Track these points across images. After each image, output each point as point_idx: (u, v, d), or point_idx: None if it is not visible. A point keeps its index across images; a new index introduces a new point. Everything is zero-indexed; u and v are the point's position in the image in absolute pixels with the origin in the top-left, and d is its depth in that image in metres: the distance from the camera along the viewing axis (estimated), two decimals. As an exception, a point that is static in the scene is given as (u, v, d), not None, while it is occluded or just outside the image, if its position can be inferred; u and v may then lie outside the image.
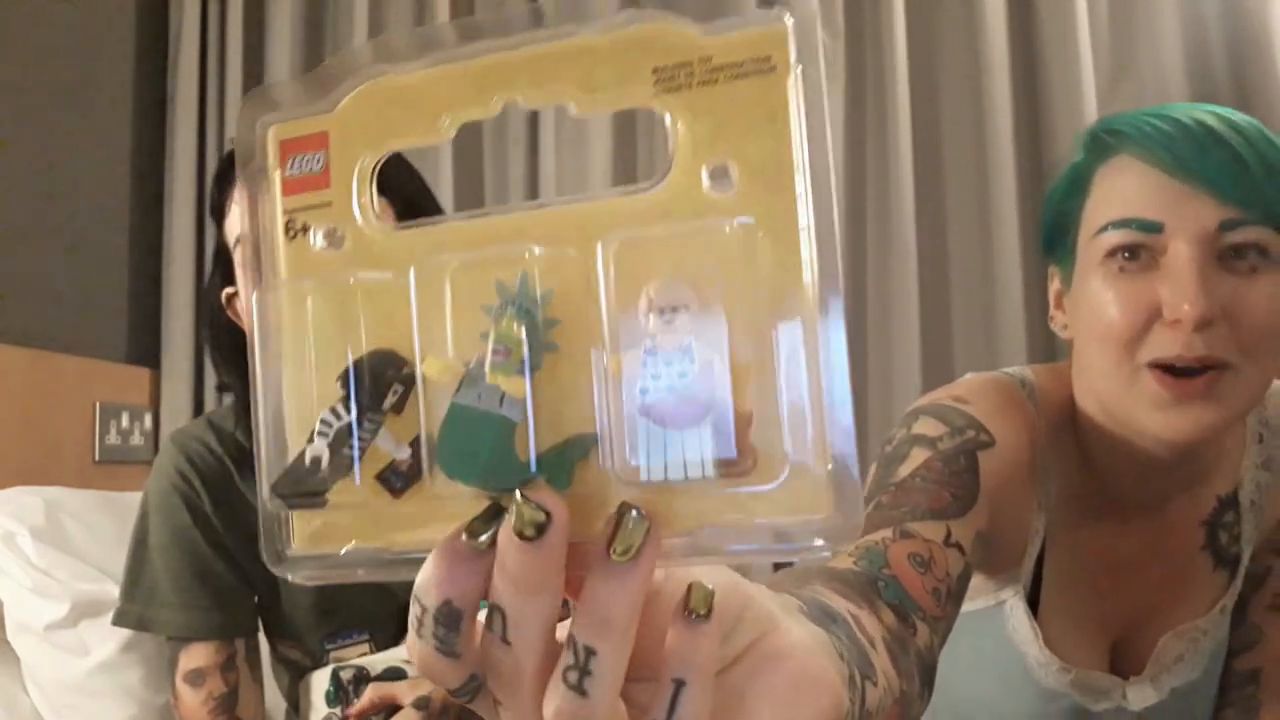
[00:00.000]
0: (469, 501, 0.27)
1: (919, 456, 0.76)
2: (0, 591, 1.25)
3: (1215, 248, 0.70)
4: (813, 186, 0.26)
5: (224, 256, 1.03)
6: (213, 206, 1.03)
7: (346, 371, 0.29)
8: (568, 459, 0.27)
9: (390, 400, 0.28)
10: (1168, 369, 0.70)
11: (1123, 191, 0.73)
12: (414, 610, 0.27)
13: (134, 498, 1.49)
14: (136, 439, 2.03)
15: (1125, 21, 1.90)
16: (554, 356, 0.27)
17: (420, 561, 0.28)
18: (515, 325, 0.27)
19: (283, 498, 0.29)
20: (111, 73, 2.10)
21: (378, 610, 1.05)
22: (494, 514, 0.27)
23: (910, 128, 1.96)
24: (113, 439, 1.95)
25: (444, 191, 2.03)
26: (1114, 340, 0.72)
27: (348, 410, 0.28)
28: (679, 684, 0.27)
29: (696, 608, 0.27)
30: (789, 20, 0.27)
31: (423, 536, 0.28)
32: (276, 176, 0.30)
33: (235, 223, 0.99)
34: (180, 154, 2.16)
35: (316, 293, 0.29)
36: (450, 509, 0.28)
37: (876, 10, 1.99)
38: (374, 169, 0.30)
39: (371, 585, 1.04)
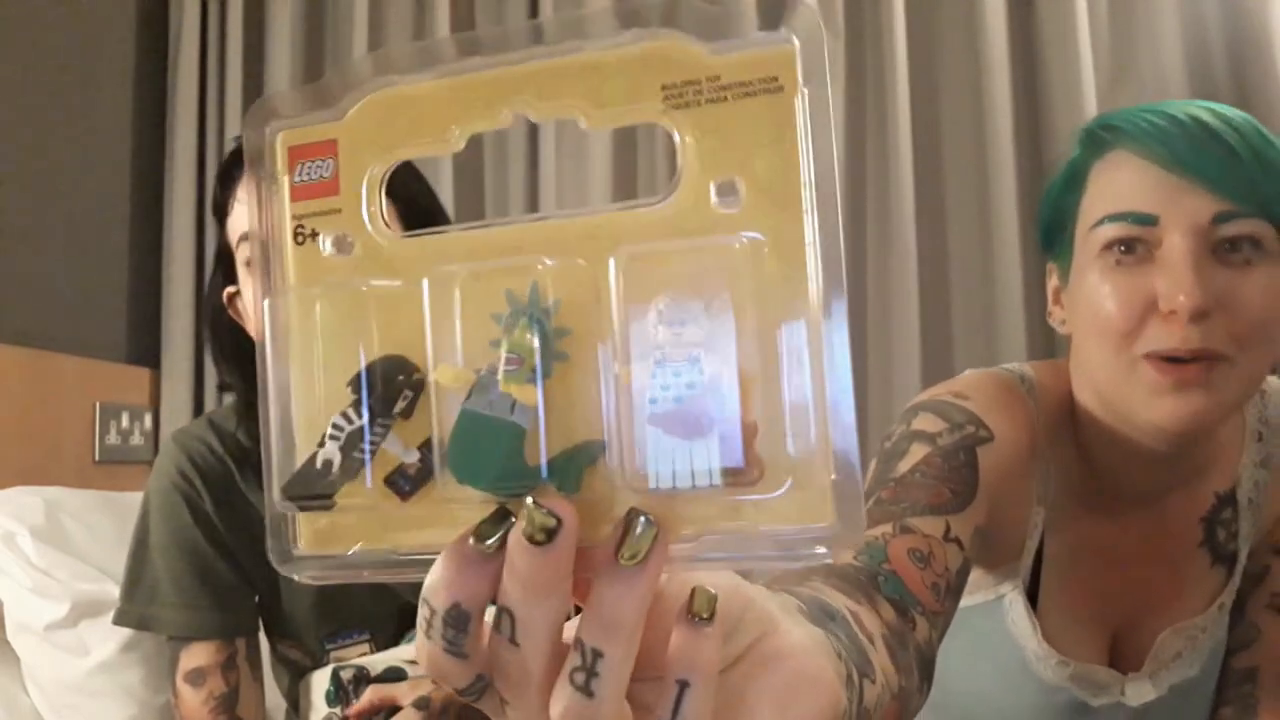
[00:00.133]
0: (476, 505, 0.28)
1: (918, 452, 0.77)
2: (0, 591, 1.25)
3: (1210, 240, 0.71)
4: (819, 203, 0.27)
5: (226, 256, 1.03)
6: (215, 206, 1.02)
7: (358, 376, 0.29)
8: (576, 465, 0.28)
9: (400, 405, 0.29)
10: (1164, 359, 0.71)
11: (1119, 186, 0.74)
12: (423, 612, 0.28)
13: (134, 498, 1.48)
14: (136, 439, 2.03)
15: (1125, 21, 1.90)
16: (563, 365, 0.28)
17: (426, 563, 0.28)
18: (528, 334, 0.28)
19: (294, 499, 0.30)
20: (111, 73, 2.10)
21: (378, 610, 1.05)
22: (501, 518, 0.27)
23: (910, 128, 1.96)
24: (113, 439, 1.95)
25: (444, 203, 2.03)
26: (1112, 332, 0.73)
27: (359, 414, 0.29)
28: (683, 685, 0.27)
29: (700, 611, 0.28)
30: (796, 42, 0.27)
31: (430, 539, 0.29)
32: (285, 182, 0.30)
33: (238, 222, 0.99)
34: (180, 154, 2.16)
35: (327, 298, 0.30)
36: (457, 512, 0.28)
37: (876, 10, 1.99)
38: (384, 177, 0.30)
39: (372, 585, 1.04)
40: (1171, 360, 0.71)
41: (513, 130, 2.05)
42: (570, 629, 0.28)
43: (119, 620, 1.05)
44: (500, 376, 0.28)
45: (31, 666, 1.26)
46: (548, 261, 0.28)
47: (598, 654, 0.27)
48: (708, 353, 0.27)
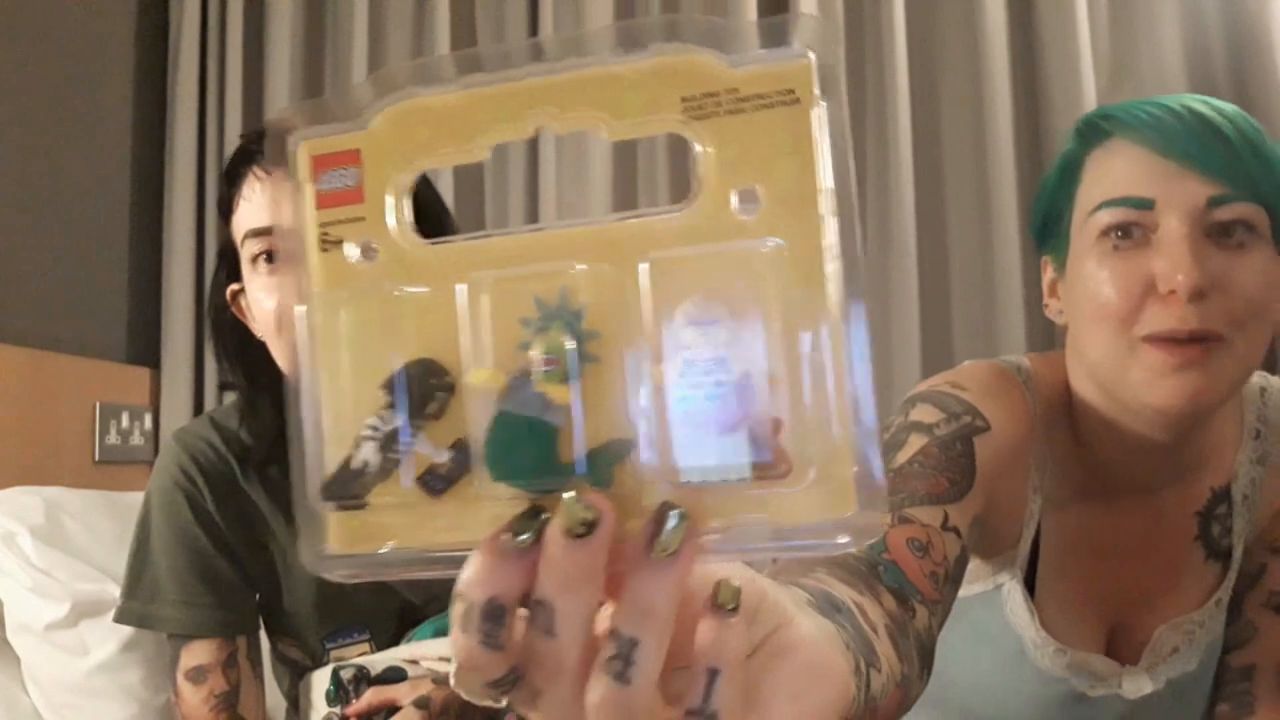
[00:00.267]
0: (507, 503, 0.29)
1: (916, 443, 0.78)
2: (0, 591, 1.25)
3: (1205, 224, 0.72)
4: (837, 209, 0.28)
5: (230, 253, 1.03)
6: (220, 203, 1.02)
7: (391, 379, 0.30)
8: (607, 462, 0.29)
9: (431, 407, 0.30)
10: (1165, 341, 0.72)
11: (1115, 173, 0.76)
12: (458, 607, 0.29)
13: (134, 498, 1.48)
14: (136, 439, 2.02)
15: (1125, 21, 1.90)
16: (594, 366, 0.29)
17: (457, 561, 0.29)
18: (563, 336, 0.29)
19: (333, 499, 0.31)
20: (111, 73, 2.10)
21: (378, 610, 1.05)
22: (534, 514, 0.28)
23: (910, 128, 1.96)
24: (113, 439, 1.95)
25: (444, 197, 2.03)
26: (1111, 317, 0.74)
27: (393, 416, 0.30)
28: (714, 673, 0.28)
29: (725, 602, 0.29)
30: (812, 57, 0.28)
31: (462, 537, 0.29)
32: (309, 190, 0.31)
33: (243, 219, 0.98)
34: (180, 154, 2.16)
35: (355, 304, 0.31)
36: (488, 510, 0.29)
37: (876, 10, 1.99)
38: (409, 186, 0.31)
39: (373, 586, 1.04)
40: (1171, 342, 0.72)
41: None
42: (600, 621, 0.29)
43: (120, 618, 1.05)
44: (536, 377, 0.29)
45: (31, 666, 1.26)
46: (579, 266, 0.29)
47: (634, 642, 0.28)
48: (734, 352, 0.28)
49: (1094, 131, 0.79)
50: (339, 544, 0.31)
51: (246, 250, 0.98)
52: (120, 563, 1.26)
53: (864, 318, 0.28)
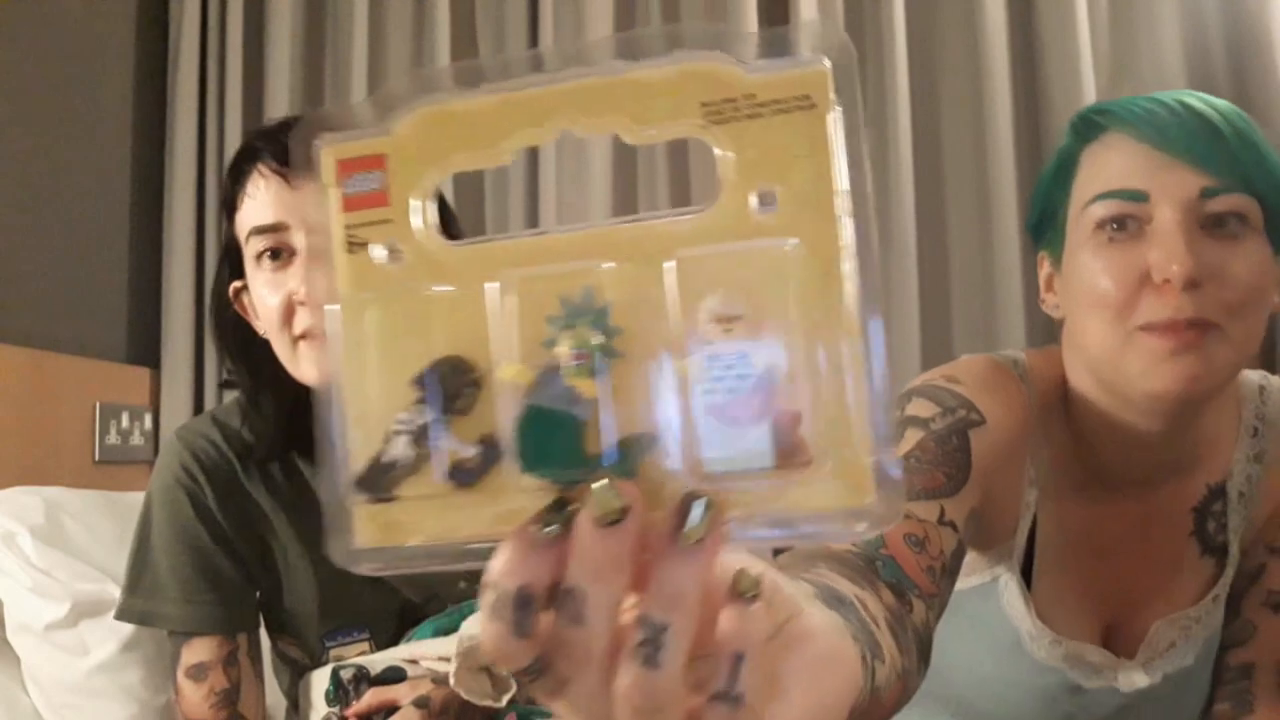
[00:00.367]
0: (533, 495, 0.30)
1: (912, 438, 0.79)
2: (0, 591, 1.25)
3: (1198, 215, 0.74)
4: (853, 210, 0.29)
5: (233, 250, 1.02)
6: (224, 200, 1.02)
7: (421, 375, 0.31)
8: (633, 453, 0.30)
9: (460, 403, 0.31)
10: (1160, 329, 0.74)
11: (1109, 167, 0.77)
12: (489, 596, 0.29)
13: (134, 498, 1.48)
14: (136, 439, 2.02)
15: (1125, 21, 1.90)
16: (619, 362, 0.30)
17: (484, 552, 0.30)
18: (591, 332, 0.30)
19: (365, 493, 0.31)
20: (111, 73, 2.10)
21: (378, 609, 1.05)
22: (561, 506, 0.29)
23: (910, 128, 1.95)
24: (113, 439, 1.95)
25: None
26: (1107, 307, 0.75)
27: (423, 411, 0.31)
28: (738, 658, 0.29)
29: (746, 590, 0.30)
30: (828, 64, 0.29)
31: (488, 529, 0.30)
32: (335, 194, 0.32)
33: (247, 216, 0.98)
34: (180, 154, 2.16)
35: (384, 303, 0.31)
36: (514, 503, 0.30)
37: (876, 10, 1.99)
38: (434, 189, 0.32)
39: (372, 585, 1.04)
40: (1167, 329, 0.73)
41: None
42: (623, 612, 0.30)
43: (121, 615, 1.05)
44: (567, 371, 0.30)
45: (31, 666, 1.26)
46: (607, 264, 0.30)
47: (663, 628, 0.29)
48: (756, 347, 0.29)
49: (1089, 126, 0.81)
50: (367, 538, 0.32)
51: (250, 247, 0.98)
52: (120, 563, 1.26)
53: (879, 315, 0.29)
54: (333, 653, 1.05)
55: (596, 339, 0.30)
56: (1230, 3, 1.86)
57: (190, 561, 1.02)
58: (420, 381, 0.31)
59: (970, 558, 0.87)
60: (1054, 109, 1.83)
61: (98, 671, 1.22)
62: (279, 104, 2.16)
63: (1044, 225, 0.85)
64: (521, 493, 0.30)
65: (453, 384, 0.31)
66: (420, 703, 0.95)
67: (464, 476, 0.31)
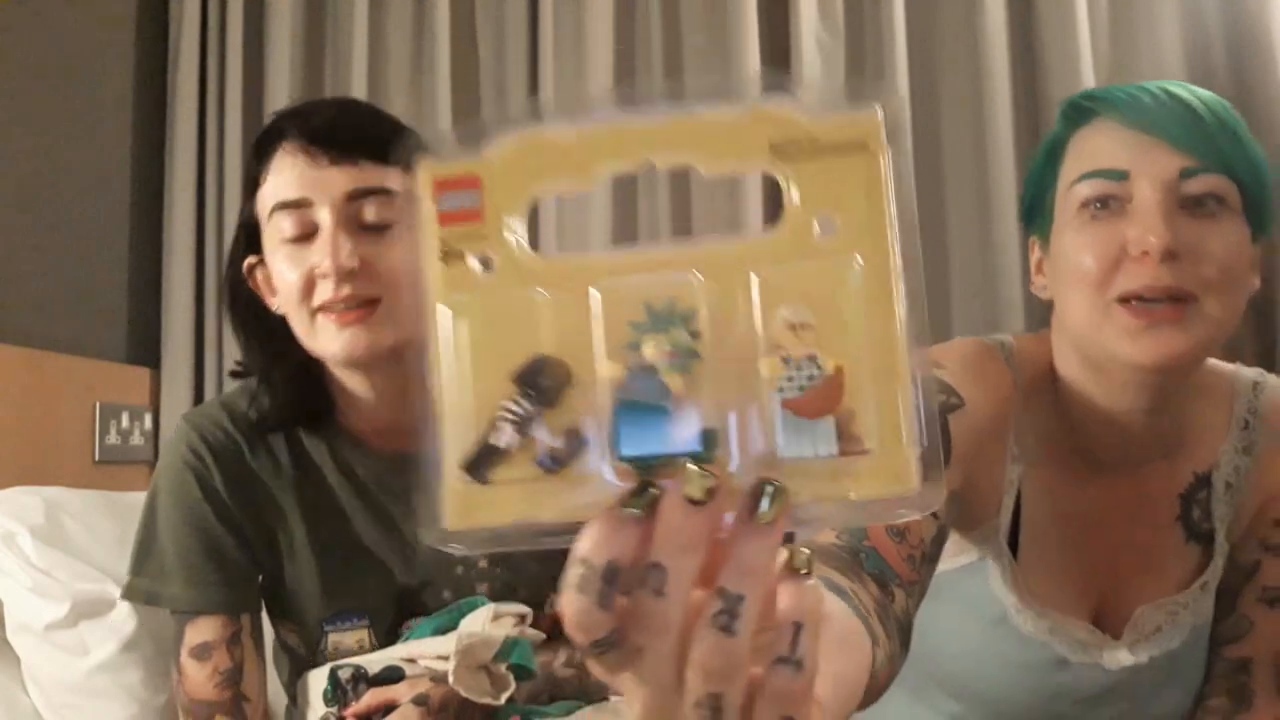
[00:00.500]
0: (609, 482, 0.33)
1: None
2: (0, 591, 1.25)
3: (1178, 195, 0.77)
4: (901, 237, 0.34)
5: (251, 227, 1.03)
6: (247, 178, 1.03)
7: (521, 371, 0.34)
8: (709, 441, 0.33)
9: (551, 396, 0.34)
10: (1138, 301, 0.77)
11: (1094, 149, 0.81)
12: (578, 570, 0.32)
13: (134, 498, 1.48)
14: (136, 439, 2.02)
15: (1125, 21, 1.90)
16: (698, 363, 0.34)
17: (566, 533, 0.33)
18: (682, 335, 0.34)
19: (471, 475, 0.34)
20: (111, 73, 2.10)
21: (378, 595, 1.05)
22: (643, 489, 0.33)
23: (910, 128, 1.95)
24: (113, 439, 1.95)
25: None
26: (1088, 281, 0.78)
27: (523, 403, 0.34)
28: (798, 626, 0.33)
29: (800, 567, 0.34)
30: (881, 114, 0.34)
31: (575, 511, 0.33)
32: (431, 209, 0.35)
33: (272, 192, 0.99)
34: (180, 154, 2.16)
35: (480, 306, 0.35)
36: (594, 488, 0.33)
37: (876, 10, 1.99)
38: (526, 209, 0.36)
39: (373, 573, 1.05)
40: (1144, 303, 0.77)
41: None
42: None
43: (126, 595, 1.06)
44: (662, 368, 0.34)
45: (31, 666, 1.26)
46: (698, 278, 0.34)
47: (739, 598, 0.32)
48: (823, 351, 0.33)
49: (1078, 112, 0.84)
50: (458, 520, 0.34)
51: (273, 223, 0.99)
52: (121, 563, 1.26)
53: (923, 325, 0.34)
54: (331, 638, 1.05)
55: (685, 342, 0.34)
56: (1230, 3, 1.86)
57: (196, 542, 1.02)
58: (520, 376, 0.34)
59: (955, 539, 0.89)
60: (1054, 109, 1.82)
61: (98, 671, 1.22)
62: (279, 104, 2.15)
63: (1034, 210, 0.88)
64: (601, 480, 0.33)
65: (547, 379, 0.34)
66: (419, 700, 0.95)
67: (550, 464, 0.34)
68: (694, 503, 0.32)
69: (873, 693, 0.53)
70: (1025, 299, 1.80)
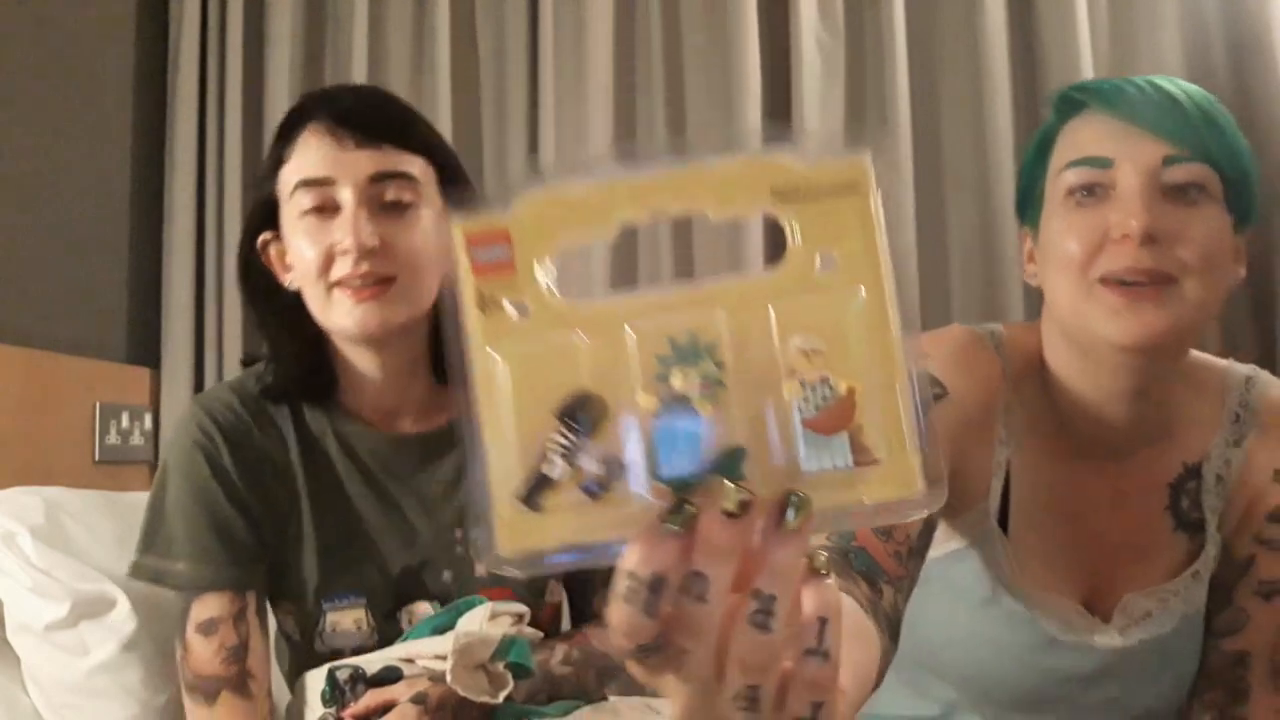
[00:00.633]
0: (646, 502, 0.37)
1: None
2: (0, 591, 1.25)
3: (1160, 182, 0.80)
4: (894, 268, 0.37)
5: (268, 204, 1.06)
6: (271, 158, 1.05)
7: (563, 406, 0.37)
8: (737, 460, 0.37)
9: (592, 428, 0.37)
10: (1118, 284, 0.79)
11: (1081, 139, 0.84)
12: (625, 583, 0.36)
13: (134, 497, 1.48)
14: (136, 439, 2.03)
15: (1125, 21, 1.90)
16: (723, 391, 0.37)
17: (610, 551, 0.37)
18: (709, 367, 0.37)
19: (526, 505, 0.38)
20: (111, 73, 2.10)
21: (377, 574, 1.07)
22: (680, 507, 0.36)
23: (910, 129, 1.95)
24: (113, 439, 1.95)
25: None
26: (1073, 265, 0.81)
27: (568, 437, 0.37)
28: (824, 620, 0.37)
29: (821, 569, 0.37)
30: (869, 158, 0.38)
31: (613, 532, 0.37)
32: (466, 262, 0.39)
33: (296, 170, 1.02)
34: (180, 154, 2.16)
35: (517, 349, 0.38)
36: (637, 508, 0.37)
37: (876, 10, 1.99)
38: (551, 258, 0.39)
39: (369, 558, 1.07)
40: (1125, 284, 0.79)
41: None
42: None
43: (134, 574, 1.07)
44: (694, 398, 0.37)
45: (31, 666, 1.26)
46: (720, 315, 0.37)
47: (772, 598, 0.35)
48: (834, 373, 0.37)
49: (1068, 104, 0.87)
50: (511, 546, 0.38)
51: (295, 200, 1.02)
52: (121, 563, 1.26)
53: (917, 344, 0.37)
54: (329, 617, 1.06)
55: (713, 372, 0.37)
56: (1230, 3, 1.86)
57: (204, 519, 1.03)
58: (562, 411, 0.37)
59: (945, 526, 0.90)
60: (1054, 109, 1.82)
61: (98, 671, 1.22)
62: (279, 104, 2.16)
63: (1026, 200, 0.91)
64: (641, 500, 0.37)
65: (587, 413, 0.37)
66: (418, 699, 0.95)
67: (595, 489, 0.37)
68: (729, 515, 0.35)
69: (874, 683, 0.57)
70: (1025, 299, 1.81)
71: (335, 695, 0.99)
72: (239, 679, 1.01)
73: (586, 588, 1.20)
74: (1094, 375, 0.86)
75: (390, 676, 0.99)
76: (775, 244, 1.91)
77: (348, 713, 0.97)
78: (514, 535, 0.38)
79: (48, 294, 1.87)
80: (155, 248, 2.17)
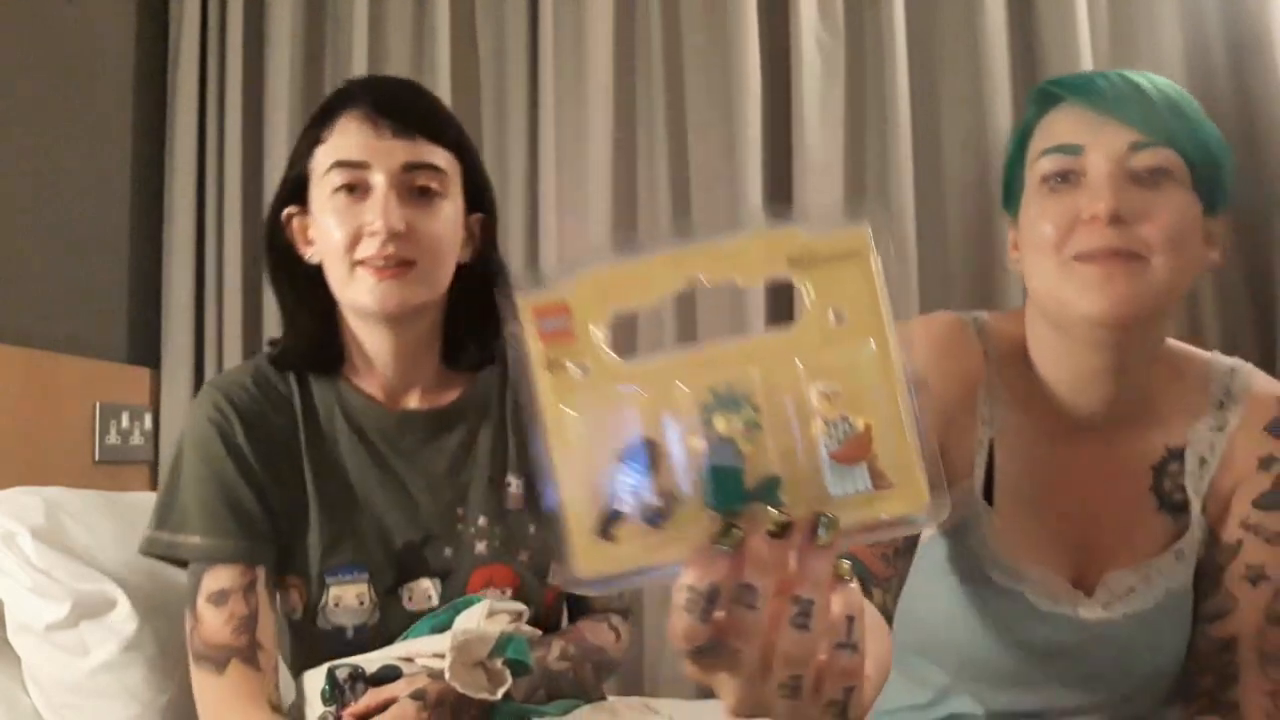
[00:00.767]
0: (699, 529, 0.43)
1: None
2: (0, 591, 1.25)
3: (1127, 167, 0.85)
4: (895, 319, 0.44)
5: (299, 180, 1.10)
6: (310, 137, 1.09)
7: (628, 450, 0.44)
8: (775, 488, 0.44)
9: (652, 467, 0.44)
10: (1089, 258, 0.85)
11: (1054, 129, 0.89)
12: (684, 595, 0.42)
13: (134, 497, 1.48)
14: (136, 439, 2.03)
15: (1125, 21, 1.90)
16: (760, 430, 0.44)
17: (670, 570, 0.43)
18: (749, 412, 0.44)
19: (603, 536, 0.44)
20: (111, 73, 2.10)
21: (380, 549, 1.08)
22: (728, 531, 0.43)
23: (910, 129, 1.96)
24: (113, 439, 1.95)
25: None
26: (1048, 246, 0.86)
27: (633, 476, 0.44)
28: (850, 619, 0.43)
29: (844, 575, 0.44)
30: (869, 228, 0.45)
31: (677, 554, 0.44)
32: (534, 330, 0.45)
33: (333, 150, 1.06)
34: (180, 154, 2.16)
35: (582, 403, 0.45)
36: (692, 533, 0.44)
37: (876, 10, 1.99)
38: (607, 325, 0.46)
39: (372, 533, 1.08)
40: (1095, 259, 0.84)
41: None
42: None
43: (146, 549, 1.08)
44: (739, 440, 0.44)
45: (32, 667, 1.26)
46: (754, 368, 0.44)
47: (809, 602, 0.42)
48: (852, 413, 0.44)
49: (1044, 98, 0.92)
50: (588, 570, 0.44)
51: (329, 178, 1.06)
52: (121, 563, 1.26)
53: (916, 380, 0.44)
54: (332, 591, 1.07)
55: (751, 417, 0.44)
56: (1230, 3, 1.86)
57: (217, 493, 1.05)
58: (625, 454, 0.44)
59: None
60: (1054, 109, 1.82)
61: (98, 672, 1.22)
62: (279, 104, 2.16)
63: (1010, 192, 0.96)
64: (696, 527, 0.44)
65: (647, 455, 0.44)
66: (417, 695, 0.96)
67: (655, 519, 0.44)
68: (771, 535, 0.42)
69: None
70: (1023, 297, 1.80)
71: (335, 694, 0.99)
72: (249, 649, 1.02)
73: None
74: (1073, 353, 0.90)
75: (390, 675, 1.00)
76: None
77: (348, 712, 0.97)
78: (590, 561, 0.44)
79: (48, 294, 1.87)
80: (155, 248, 2.17)
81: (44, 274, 1.87)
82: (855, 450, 0.44)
